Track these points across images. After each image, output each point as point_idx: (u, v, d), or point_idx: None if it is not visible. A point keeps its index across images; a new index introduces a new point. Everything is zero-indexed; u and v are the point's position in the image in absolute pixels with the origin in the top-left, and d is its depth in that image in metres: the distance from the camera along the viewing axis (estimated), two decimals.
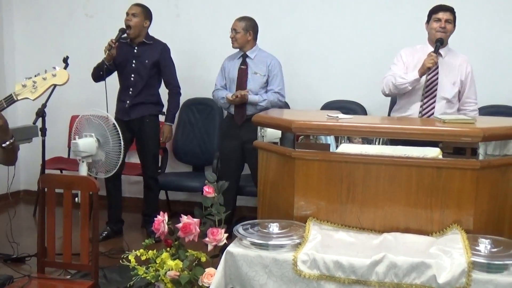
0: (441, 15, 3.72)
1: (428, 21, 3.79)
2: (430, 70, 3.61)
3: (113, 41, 4.11)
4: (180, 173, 5.02)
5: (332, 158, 2.77)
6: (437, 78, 3.69)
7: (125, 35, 4.24)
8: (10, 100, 2.57)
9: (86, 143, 3.83)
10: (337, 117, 2.98)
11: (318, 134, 2.91)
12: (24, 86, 2.58)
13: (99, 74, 4.22)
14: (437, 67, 3.70)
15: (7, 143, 2.50)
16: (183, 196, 5.10)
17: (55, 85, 2.73)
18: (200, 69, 4.98)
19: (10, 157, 2.62)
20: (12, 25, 5.48)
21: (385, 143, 2.93)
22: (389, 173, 2.66)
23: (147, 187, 4.48)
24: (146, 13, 4.31)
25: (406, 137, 2.80)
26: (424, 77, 3.64)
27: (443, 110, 3.65)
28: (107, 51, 4.12)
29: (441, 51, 3.73)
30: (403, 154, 2.70)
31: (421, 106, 3.66)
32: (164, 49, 4.38)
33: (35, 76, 2.61)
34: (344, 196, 2.72)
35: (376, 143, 2.96)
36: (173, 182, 4.77)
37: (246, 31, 4.25)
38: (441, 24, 3.71)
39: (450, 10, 3.75)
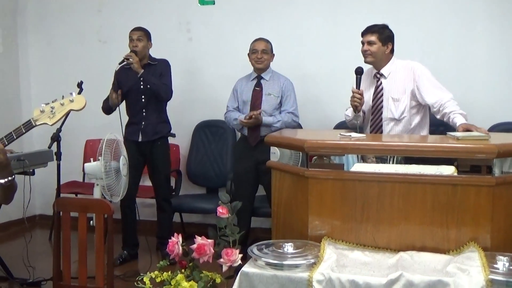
0: (363, 38, 3.52)
1: None
2: (357, 108, 3.42)
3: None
4: (194, 195, 5.02)
5: (346, 177, 2.76)
6: (382, 101, 3.52)
7: (126, 62, 4.19)
8: (29, 125, 2.58)
9: (91, 166, 3.82)
10: (350, 136, 2.98)
11: (331, 153, 2.90)
12: (42, 111, 2.59)
13: (110, 110, 4.30)
14: (382, 89, 3.54)
15: (6, 180, 2.37)
16: (197, 218, 5.09)
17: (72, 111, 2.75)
18: (212, 92, 5.01)
19: (7, 196, 2.48)
20: (27, 51, 5.59)
21: (399, 161, 2.91)
22: (404, 191, 2.65)
23: (160, 209, 4.49)
24: (148, 35, 4.36)
25: (420, 154, 2.78)
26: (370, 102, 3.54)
27: (390, 130, 3.50)
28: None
29: (384, 70, 3.53)
30: (418, 172, 2.69)
31: (370, 127, 3.57)
32: (164, 63, 4.39)
33: (53, 101, 2.62)
34: (358, 215, 2.70)
35: (390, 161, 2.94)
36: (187, 204, 4.78)
37: (271, 52, 4.30)
38: (363, 48, 3.52)
39: (369, 31, 3.50)
